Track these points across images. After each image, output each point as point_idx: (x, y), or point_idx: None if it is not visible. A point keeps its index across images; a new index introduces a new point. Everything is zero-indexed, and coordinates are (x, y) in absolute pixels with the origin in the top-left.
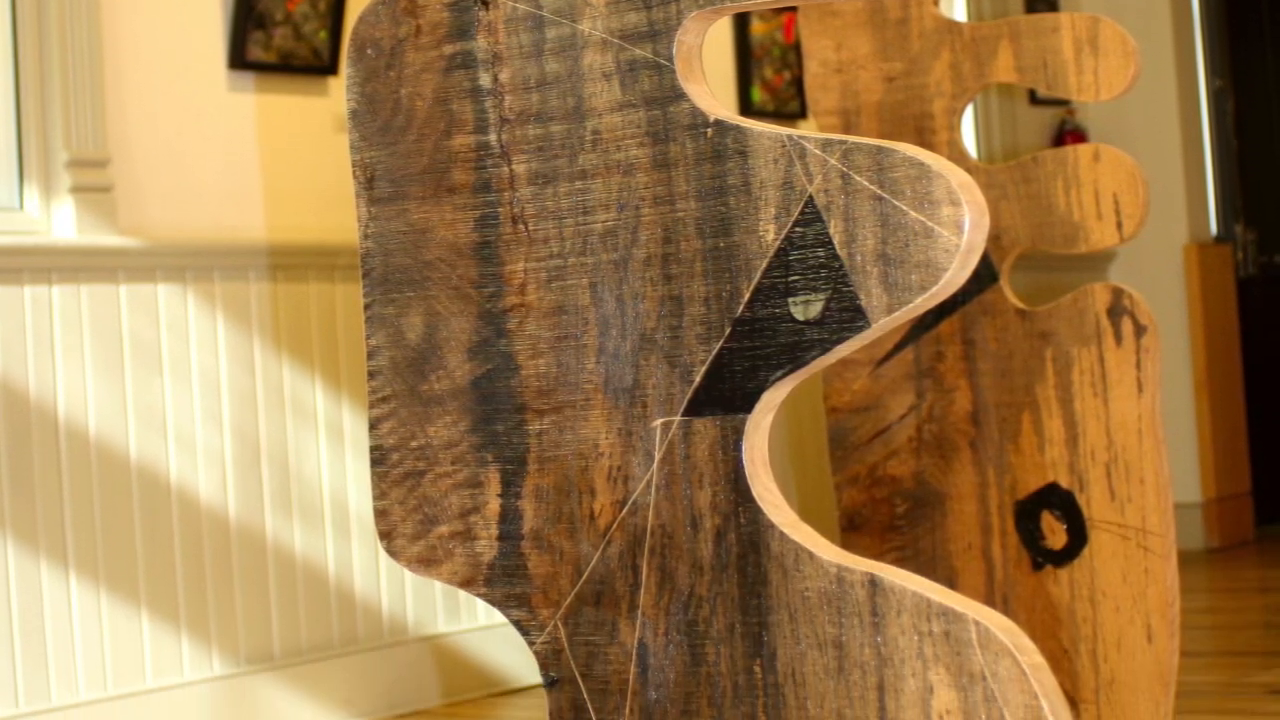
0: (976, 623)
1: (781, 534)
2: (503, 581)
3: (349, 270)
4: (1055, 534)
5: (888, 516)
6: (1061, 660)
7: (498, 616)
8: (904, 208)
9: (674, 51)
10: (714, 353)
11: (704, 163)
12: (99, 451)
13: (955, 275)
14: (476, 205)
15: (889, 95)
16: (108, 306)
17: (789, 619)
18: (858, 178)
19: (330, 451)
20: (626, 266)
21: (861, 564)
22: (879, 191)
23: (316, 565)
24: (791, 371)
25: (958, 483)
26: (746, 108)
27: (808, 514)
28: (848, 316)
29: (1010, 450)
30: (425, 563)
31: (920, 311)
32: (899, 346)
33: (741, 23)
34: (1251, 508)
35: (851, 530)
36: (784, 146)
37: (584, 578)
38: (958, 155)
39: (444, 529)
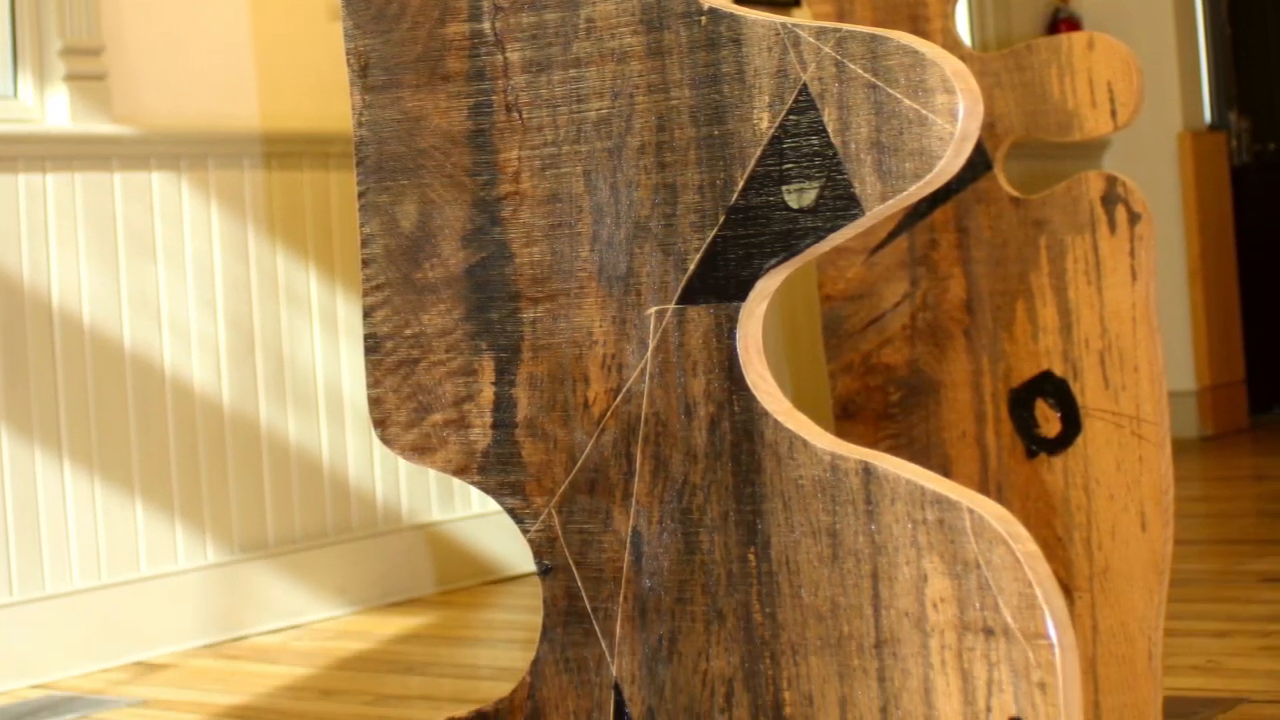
0: (970, 510)
1: (775, 422)
2: (497, 469)
3: (343, 158)
4: (1049, 422)
5: (882, 404)
6: (1055, 548)
7: (492, 504)
8: (898, 96)
9: None
10: (708, 241)
11: (698, 51)
12: (93, 339)
13: (949, 163)
14: (470, 93)
15: None
16: (102, 194)
17: (783, 507)
18: (852, 66)
19: (324, 339)
20: (620, 154)
21: (855, 452)
22: (873, 79)
23: (310, 453)
24: (785, 259)
25: (952, 370)
26: None
27: (802, 402)
28: (841, 204)
29: (1004, 338)
30: (419, 451)
31: (914, 199)
32: (893, 234)
33: None
34: (1245, 396)
35: (845, 418)
36: (778, 34)
37: (578, 466)
38: (952, 43)
39: (438, 417)
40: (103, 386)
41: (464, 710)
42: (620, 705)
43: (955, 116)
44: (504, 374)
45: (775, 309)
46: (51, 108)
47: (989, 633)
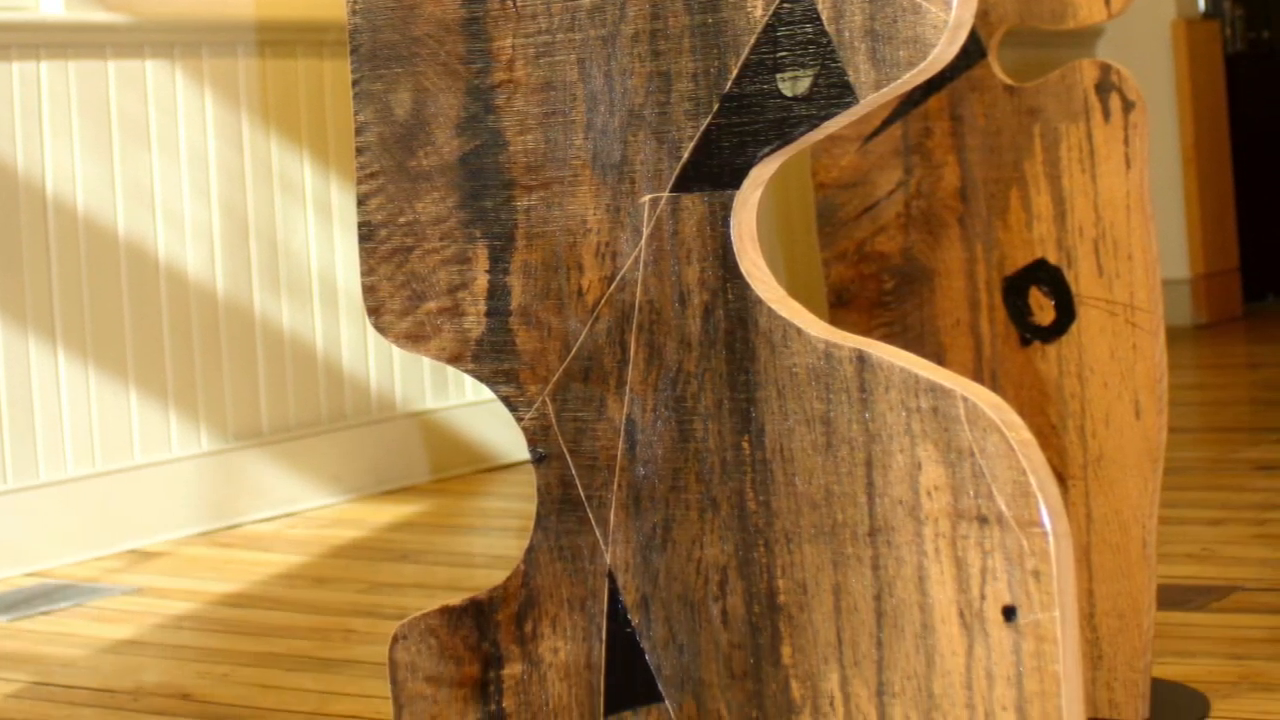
0: (964, 398)
1: (769, 310)
2: (490, 357)
3: (338, 46)
4: (1043, 310)
5: (876, 292)
6: (1049, 436)
7: (486, 392)
8: None
9: None
10: (702, 129)
11: None
12: (87, 228)
13: (943, 51)
14: None
15: None
16: (96, 83)
17: (777, 395)
18: None
19: (318, 227)
20: (614, 42)
21: (850, 340)
22: None
23: (304, 341)
24: (779, 147)
25: (946, 259)
26: None
27: (796, 291)
28: (835, 92)
29: (998, 226)
30: (413, 339)
31: (908, 87)
32: (887, 123)
33: None
34: (1239, 283)
35: (839, 306)
36: None
37: (572, 354)
38: None
39: (432, 305)
40: (97, 274)
41: (458, 598)
42: (614, 593)
43: (949, 4)
44: (498, 262)
45: (769, 197)
46: None
47: (983, 520)
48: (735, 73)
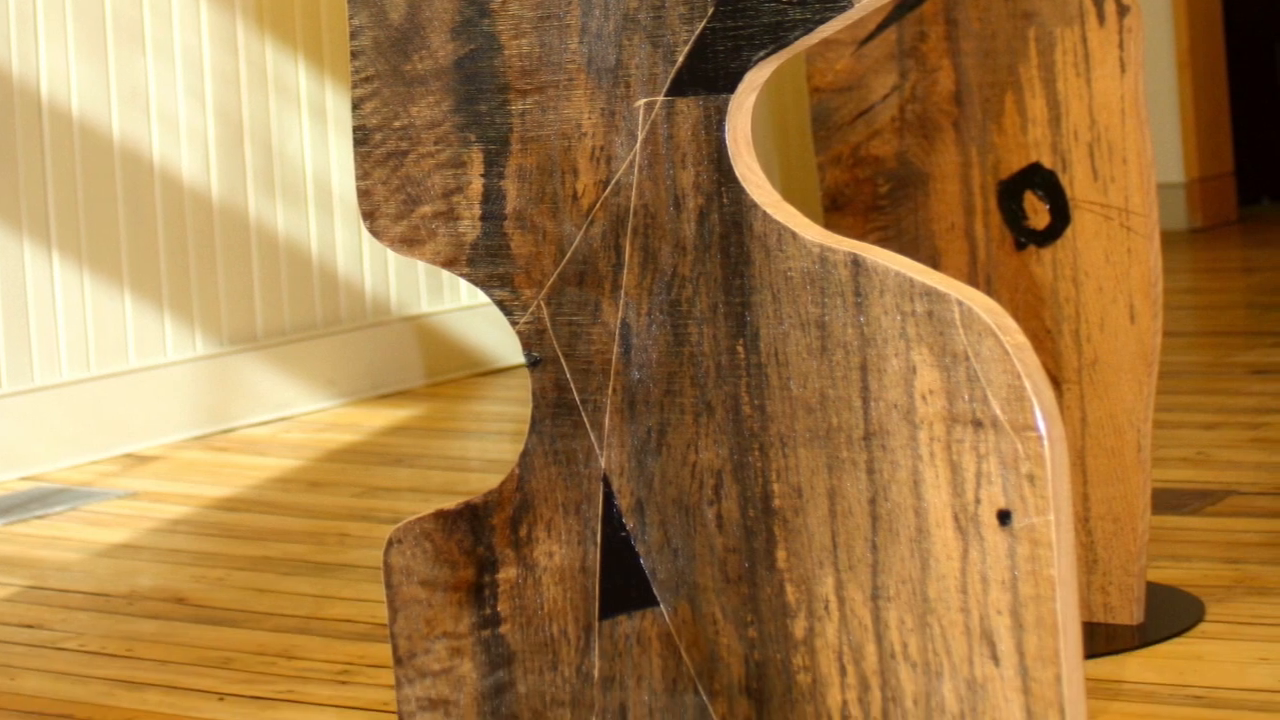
0: (959, 302)
1: (764, 214)
2: (485, 261)
3: None
4: (1038, 214)
5: (870, 197)
6: (1044, 340)
7: (481, 297)
8: None
9: None
10: (697, 33)
11: None
12: (82, 131)
13: None
14: None
15: None
16: None
17: (772, 299)
18: None
19: (313, 131)
20: None
21: (844, 244)
22: None
23: (299, 245)
24: (774, 51)
25: (940, 163)
26: None
27: (791, 195)
28: None
29: (993, 130)
30: (408, 243)
31: None
32: (881, 26)
33: None
34: (1234, 188)
35: (834, 211)
36: None
37: (567, 258)
38: None
39: (427, 209)
40: (91, 179)
41: (453, 502)
42: (609, 497)
43: None
44: (493, 166)
45: (764, 101)
46: None
47: (978, 425)
48: None
